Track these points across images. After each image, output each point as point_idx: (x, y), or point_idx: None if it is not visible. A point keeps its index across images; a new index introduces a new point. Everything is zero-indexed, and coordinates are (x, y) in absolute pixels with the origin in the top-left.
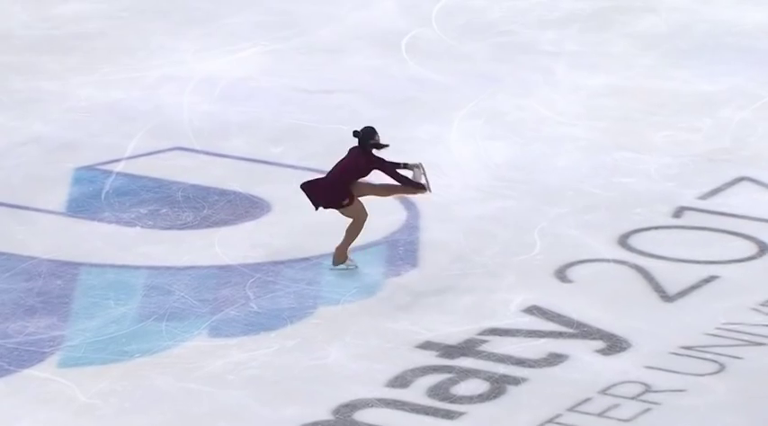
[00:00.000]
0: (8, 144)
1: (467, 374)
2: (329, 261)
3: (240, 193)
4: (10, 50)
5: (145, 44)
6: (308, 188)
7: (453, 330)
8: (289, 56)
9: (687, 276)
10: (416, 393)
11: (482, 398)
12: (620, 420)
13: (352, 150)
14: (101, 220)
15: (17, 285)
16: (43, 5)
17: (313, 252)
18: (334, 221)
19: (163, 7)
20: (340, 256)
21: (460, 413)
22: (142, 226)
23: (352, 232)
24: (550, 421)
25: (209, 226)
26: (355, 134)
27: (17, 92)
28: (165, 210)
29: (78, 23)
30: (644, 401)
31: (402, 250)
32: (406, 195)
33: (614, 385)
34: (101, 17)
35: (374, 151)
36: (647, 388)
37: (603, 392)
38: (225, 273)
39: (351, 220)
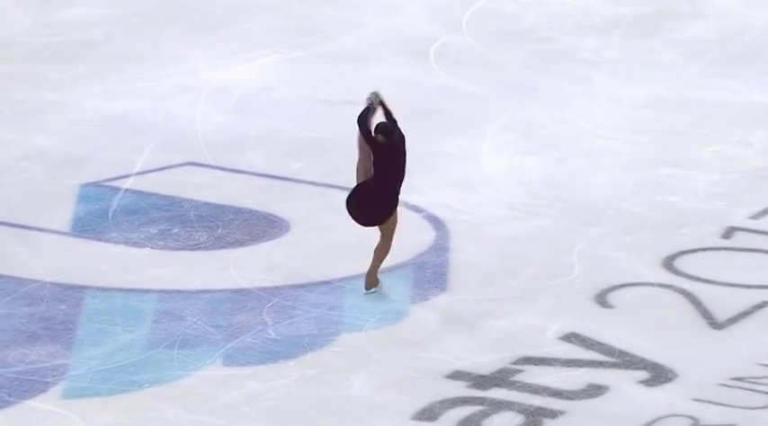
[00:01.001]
0: (9, 159)
1: (500, 406)
2: (352, 285)
3: (257, 212)
4: (11, 58)
5: (155, 51)
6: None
7: (485, 359)
8: (309, 64)
9: (738, 301)
10: None
11: None
12: None
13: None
14: (108, 241)
15: (18, 310)
16: (46, 10)
17: (335, 275)
18: (357, 241)
19: (175, 12)
20: (372, 279)
21: None
22: (152, 247)
23: (384, 249)
24: None
25: (223, 247)
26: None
27: (18, 103)
28: (176, 230)
29: (84, 29)
30: None
31: (430, 272)
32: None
33: (659, 418)
34: (108, 23)
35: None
36: (695, 422)
37: None
38: (240, 297)
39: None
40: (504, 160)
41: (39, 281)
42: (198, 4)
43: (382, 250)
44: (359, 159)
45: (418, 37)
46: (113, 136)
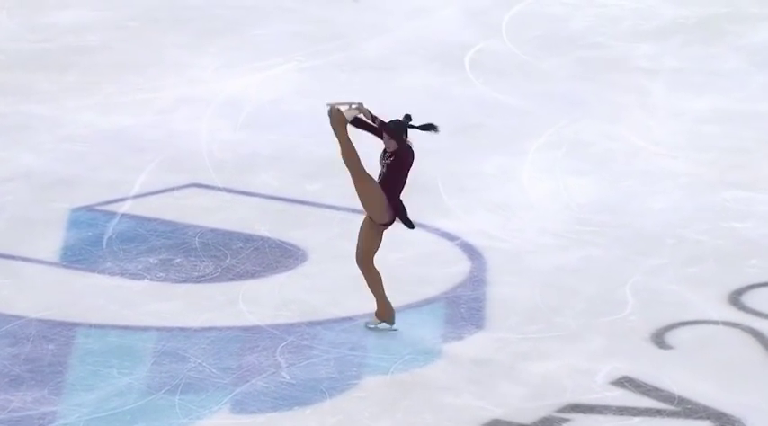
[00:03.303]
0: None
1: None
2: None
3: (269, 239)
4: None
5: (157, 59)
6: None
7: (527, 405)
8: (329, 73)
9: None
10: None
11: None
12: None
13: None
14: (102, 272)
15: (1, 350)
16: (35, 13)
17: (357, 311)
18: (382, 273)
19: (178, 15)
20: (381, 309)
21: None
22: (151, 279)
23: (366, 280)
24: None
25: (231, 279)
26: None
27: (3, 116)
28: (179, 260)
29: (77, 34)
30: None
31: (465, 308)
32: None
33: None
34: (104, 27)
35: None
36: None
37: None
38: (251, 336)
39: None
40: (549, 181)
41: (24, 318)
42: (204, 6)
43: (366, 279)
44: None
45: (452, 43)
46: (109, 154)
